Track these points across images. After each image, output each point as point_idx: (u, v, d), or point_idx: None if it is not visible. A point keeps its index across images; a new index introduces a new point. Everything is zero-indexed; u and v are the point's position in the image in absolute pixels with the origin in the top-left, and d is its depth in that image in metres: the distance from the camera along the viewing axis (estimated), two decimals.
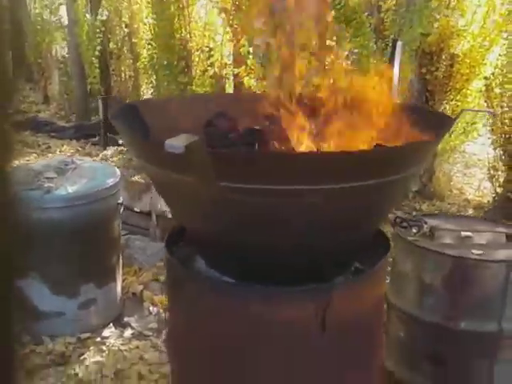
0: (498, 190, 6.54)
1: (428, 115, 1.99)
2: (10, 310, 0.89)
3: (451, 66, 6.95)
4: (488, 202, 6.80)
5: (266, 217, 1.39)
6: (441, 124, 1.78)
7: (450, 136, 7.52)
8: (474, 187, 7.54)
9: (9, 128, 0.92)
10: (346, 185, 1.33)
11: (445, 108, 7.16)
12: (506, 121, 6.28)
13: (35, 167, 3.14)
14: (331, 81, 1.90)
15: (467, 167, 8.29)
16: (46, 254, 3.02)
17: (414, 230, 2.93)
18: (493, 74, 6.39)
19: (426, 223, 2.98)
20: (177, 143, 1.13)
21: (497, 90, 6.36)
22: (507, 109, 6.29)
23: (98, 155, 7.37)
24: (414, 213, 5.81)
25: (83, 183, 3.05)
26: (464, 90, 7.06)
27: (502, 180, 6.48)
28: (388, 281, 3.06)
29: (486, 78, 6.54)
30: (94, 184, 3.10)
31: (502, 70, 6.27)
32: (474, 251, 2.74)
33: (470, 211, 6.72)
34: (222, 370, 1.57)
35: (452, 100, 7.13)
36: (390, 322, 3.07)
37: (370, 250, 1.79)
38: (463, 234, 2.94)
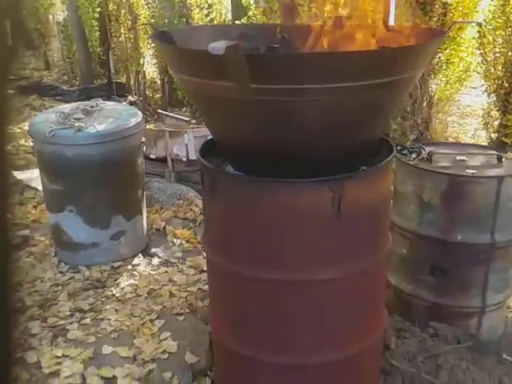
0: (493, 135, 6.80)
1: (423, 30, 2.25)
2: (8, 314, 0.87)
3: (444, 14, 7.13)
4: None
5: (288, 115, 1.65)
6: (435, 33, 2.09)
7: (446, 85, 7.75)
8: (469, 136, 7.80)
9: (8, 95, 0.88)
10: (359, 83, 1.60)
11: (439, 57, 7.37)
12: (499, 66, 6.52)
13: (64, 110, 3.40)
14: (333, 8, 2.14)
15: (463, 117, 8.54)
16: (80, 188, 3.31)
17: (414, 156, 3.20)
18: (485, 20, 6.57)
19: (424, 149, 3.25)
20: (218, 45, 1.39)
21: (489, 37, 6.56)
22: (499, 54, 6.50)
23: None
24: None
25: (109, 122, 3.32)
26: (458, 39, 7.26)
27: (496, 125, 6.74)
28: (391, 203, 3.35)
29: (478, 24, 6.72)
30: (120, 123, 3.36)
31: (494, 17, 6.47)
32: (468, 170, 3.02)
33: None
34: (258, 249, 1.87)
35: (446, 49, 7.32)
36: (394, 240, 3.35)
37: (377, 151, 2.08)
38: (458, 157, 3.23)
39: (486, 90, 6.87)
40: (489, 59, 6.62)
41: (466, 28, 7.08)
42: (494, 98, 6.72)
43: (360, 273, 2.01)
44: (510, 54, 6.29)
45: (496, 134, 6.74)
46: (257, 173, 1.85)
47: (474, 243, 3.00)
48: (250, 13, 5.67)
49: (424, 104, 7.34)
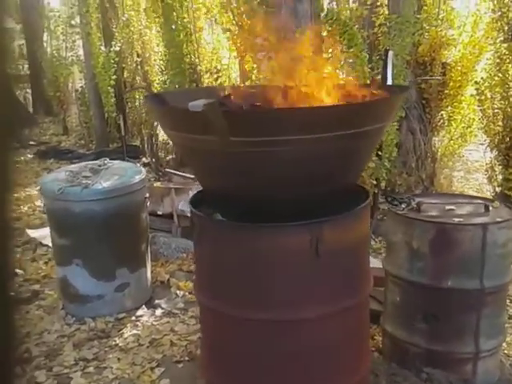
0: (497, 189, 6.92)
1: (388, 88, 2.47)
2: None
3: (444, 74, 7.41)
4: None
5: (265, 165, 1.83)
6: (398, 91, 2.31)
7: (450, 141, 7.94)
8: (474, 190, 7.92)
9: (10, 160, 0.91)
10: (328, 134, 1.79)
11: (441, 115, 7.60)
12: (499, 122, 6.71)
13: (74, 169, 3.63)
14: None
15: (469, 173, 8.69)
16: (86, 242, 3.50)
17: (403, 206, 3.35)
18: (482, 78, 6.81)
19: (413, 200, 3.39)
20: (197, 103, 1.60)
21: (487, 94, 6.78)
22: (497, 110, 6.71)
23: None
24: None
25: (115, 179, 3.54)
26: (458, 97, 7.50)
27: (500, 179, 6.87)
28: (384, 253, 3.47)
29: (476, 82, 6.97)
30: (124, 180, 3.57)
31: (491, 74, 6.71)
32: (454, 219, 3.15)
33: None
34: (241, 289, 2.02)
35: (447, 106, 7.57)
36: (388, 288, 3.47)
37: (355, 198, 2.25)
38: (447, 207, 3.36)
39: (488, 146, 7.05)
40: (488, 115, 6.82)
41: (466, 86, 7.33)
42: (496, 153, 6.88)
43: (344, 311, 2.13)
44: (508, 110, 6.49)
45: (500, 188, 6.86)
46: (243, 218, 2.01)
47: (464, 289, 3.08)
48: (253, 76, 5.99)
49: (429, 160, 7.51)
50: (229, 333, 2.12)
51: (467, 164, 8.86)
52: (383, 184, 6.40)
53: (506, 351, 3.78)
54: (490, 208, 3.29)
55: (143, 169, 3.84)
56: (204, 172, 2.10)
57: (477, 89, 6.98)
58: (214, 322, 2.16)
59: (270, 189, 1.93)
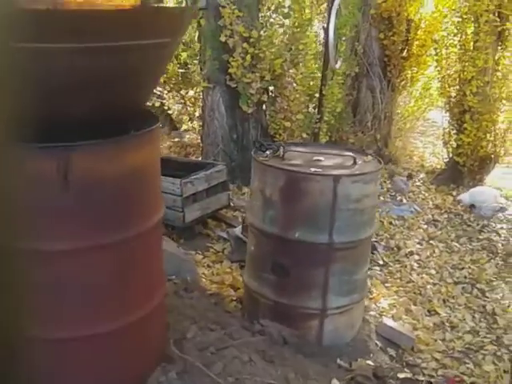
0: (451, 154, 6.70)
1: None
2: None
3: (408, 31, 7.11)
4: (440, 166, 6.96)
5: (40, 76, 1.66)
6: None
7: (410, 103, 7.68)
8: (429, 154, 7.69)
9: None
10: (111, 44, 1.62)
11: (404, 75, 7.32)
12: (456, 86, 6.44)
13: None
14: None
15: (427, 135, 8.43)
16: None
17: (268, 152, 3.18)
18: (441, 36, 6.52)
19: (284, 148, 3.22)
20: None
21: (444, 54, 6.51)
22: (453, 72, 6.43)
23: None
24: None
25: None
26: (423, 57, 7.21)
27: (453, 144, 6.63)
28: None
29: (435, 41, 6.68)
30: None
31: (449, 34, 6.42)
32: (312, 169, 2.98)
33: (422, 175, 6.89)
34: None
35: (411, 66, 7.28)
36: (249, 239, 3.35)
37: (141, 123, 2.08)
38: (315, 157, 3.19)
39: (443, 108, 6.80)
40: (444, 77, 6.55)
41: (431, 46, 7.03)
42: (449, 118, 6.64)
43: (112, 243, 2.00)
44: (464, 72, 6.22)
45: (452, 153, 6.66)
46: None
47: (312, 242, 2.96)
48: None
49: (385, 121, 7.28)
50: None
51: (429, 128, 8.60)
52: (324, 140, 6.21)
53: (377, 313, 3.68)
54: (359, 162, 3.13)
55: None
56: None
57: (435, 48, 6.70)
58: None
59: (47, 102, 1.74)
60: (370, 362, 3.05)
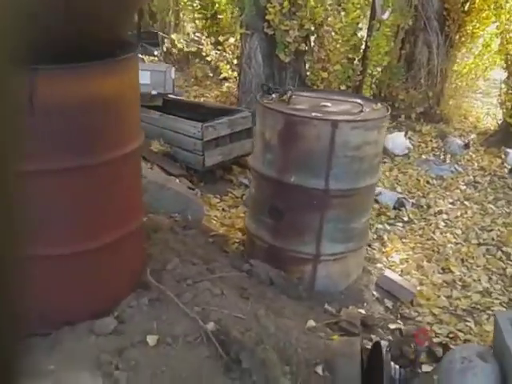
0: (505, 114, 6.37)
1: None
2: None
3: None
4: (494, 128, 6.63)
5: None
6: None
7: (468, 60, 7.31)
8: (484, 114, 7.32)
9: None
10: None
11: (465, 29, 6.95)
12: None
13: None
14: None
15: (490, 96, 7.98)
16: None
17: (274, 96, 3.16)
18: None
19: (292, 92, 3.18)
20: None
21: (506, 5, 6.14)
22: (510, 26, 6.08)
23: None
24: None
25: None
26: (485, 12, 6.81)
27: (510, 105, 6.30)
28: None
29: None
30: None
31: None
32: (313, 113, 2.94)
33: (473, 136, 6.59)
34: None
35: (472, 21, 6.90)
36: (251, 182, 3.37)
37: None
38: (322, 103, 3.14)
39: (502, 68, 6.46)
40: (504, 32, 6.19)
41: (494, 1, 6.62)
42: (506, 76, 6.31)
43: (88, 167, 2.07)
44: None
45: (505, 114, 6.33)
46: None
47: (308, 187, 2.94)
48: None
49: (440, 78, 6.98)
50: None
51: (494, 89, 8.14)
52: (368, 93, 6.05)
53: (386, 266, 3.64)
54: (366, 109, 3.06)
55: None
56: None
57: (495, 1, 6.33)
58: None
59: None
60: (361, 311, 3.03)
